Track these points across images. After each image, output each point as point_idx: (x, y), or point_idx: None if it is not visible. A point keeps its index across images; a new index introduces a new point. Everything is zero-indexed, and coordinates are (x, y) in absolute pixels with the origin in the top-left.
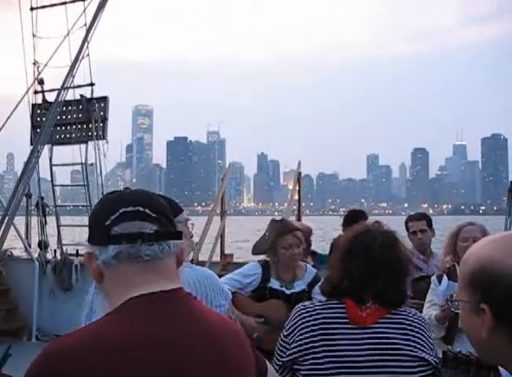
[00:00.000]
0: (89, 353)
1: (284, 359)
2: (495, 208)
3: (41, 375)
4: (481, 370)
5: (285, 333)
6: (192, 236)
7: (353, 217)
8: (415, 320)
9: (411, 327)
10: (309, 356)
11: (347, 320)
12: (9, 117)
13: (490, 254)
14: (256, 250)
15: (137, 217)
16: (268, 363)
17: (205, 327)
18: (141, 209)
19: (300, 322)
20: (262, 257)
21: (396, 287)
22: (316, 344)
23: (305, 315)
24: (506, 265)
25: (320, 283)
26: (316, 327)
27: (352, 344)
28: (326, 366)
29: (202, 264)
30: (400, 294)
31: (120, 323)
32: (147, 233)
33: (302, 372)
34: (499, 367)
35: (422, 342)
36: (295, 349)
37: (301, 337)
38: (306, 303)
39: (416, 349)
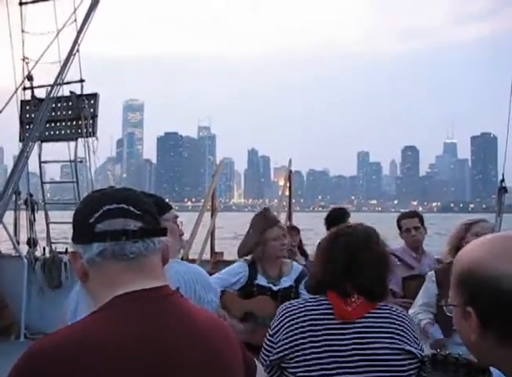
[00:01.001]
0: (73, 352)
1: (271, 358)
2: (484, 206)
3: (25, 373)
4: (471, 372)
5: (271, 332)
6: (182, 234)
7: (337, 218)
8: (399, 315)
9: (397, 322)
10: (297, 353)
11: (333, 316)
12: None
13: (477, 256)
14: (241, 251)
15: (121, 215)
16: (257, 361)
17: (192, 326)
18: (125, 206)
19: (286, 320)
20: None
21: (379, 281)
22: (304, 341)
23: (290, 313)
24: (492, 268)
25: (305, 279)
26: (302, 324)
27: (339, 339)
28: (313, 362)
29: (192, 262)
30: (383, 289)
31: (105, 322)
32: (131, 230)
33: (290, 370)
34: (491, 368)
35: (406, 335)
36: (282, 348)
37: (287, 335)
38: (292, 301)
39: (401, 342)
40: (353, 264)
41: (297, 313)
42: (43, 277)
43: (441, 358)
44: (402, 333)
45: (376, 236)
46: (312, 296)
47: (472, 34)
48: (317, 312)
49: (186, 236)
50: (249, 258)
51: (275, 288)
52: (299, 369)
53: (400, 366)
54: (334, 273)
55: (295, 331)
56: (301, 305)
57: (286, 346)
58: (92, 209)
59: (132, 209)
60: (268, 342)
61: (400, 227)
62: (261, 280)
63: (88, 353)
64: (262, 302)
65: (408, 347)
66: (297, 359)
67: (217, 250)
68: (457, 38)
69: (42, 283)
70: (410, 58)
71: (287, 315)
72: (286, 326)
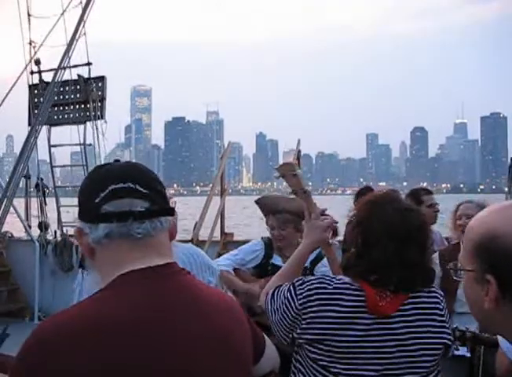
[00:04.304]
0: (75, 331)
1: (295, 336)
2: (494, 187)
3: (27, 353)
4: (488, 347)
5: (298, 305)
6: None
7: (364, 193)
8: (436, 302)
9: (434, 312)
10: (325, 343)
11: (365, 310)
12: (4, 98)
13: (500, 223)
14: None
15: (128, 195)
16: (267, 338)
17: (199, 303)
18: (131, 185)
19: (317, 302)
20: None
21: (421, 264)
22: (333, 331)
23: (323, 296)
24: None
25: (323, 261)
26: (335, 314)
27: (375, 335)
28: (340, 355)
29: (202, 243)
30: (428, 275)
31: (109, 301)
32: (137, 211)
33: (312, 355)
34: (498, 336)
35: (444, 324)
36: (307, 332)
37: (317, 320)
38: (326, 278)
39: (439, 335)
40: (392, 243)
41: (329, 299)
42: (55, 260)
43: (459, 334)
44: (440, 323)
45: (417, 207)
46: (344, 280)
47: (483, 12)
48: (350, 303)
49: (196, 219)
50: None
51: None
52: (326, 358)
53: (435, 360)
54: (370, 265)
55: (325, 320)
56: (333, 289)
57: (313, 331)
58: (98, 188)
59: (139, 188)
60: (293, 314)
61: (420, 202)
62: (276, 260)
63: (91, 331)
64: None
65: (446, 340)
66: (326, 348)
67: (226, 231)
68: (470, 16)
69: (53, 266)
70: (421, 37)
71: (319, 296)
72: (315, 309)
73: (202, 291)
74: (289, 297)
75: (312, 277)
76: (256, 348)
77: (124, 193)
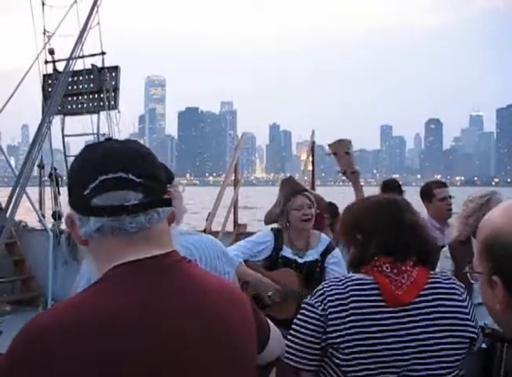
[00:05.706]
0: (68, 326)
1: (320, 342)
2: (509, 180)
3: (20, 346)
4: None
5: (320, 311)
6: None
7: (389, 186)
8: (452, 292)
9: (452, 301)
10: (345, 345)
11: (383, 303)
12: (17, 87)
13: (503, 222)
14: (268, 219)
15: (119, 186)
16: (272, 325)
17: (201, 297)
18: (123, 175)
19: (329, 304)
20: (275, 225)
21: (423, 241)
22: (350, 331)
23: (334, 296)
24: None
25: (334, 252)
26: (349, 313)
27: (393, 329)
28: (364, 355)
29: (215, 234)
30: (433, 251)
31: (102, 296)
32: (130, 206)
33: (335, 360)
34: None
35: (466, 316)
36: (326, 336)
37: (333, 322)
38: (334, 281)
39: (461, 327)
40: (402, 228)
41: (342, 298)
42: (68, 250)
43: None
44: (463, 315)
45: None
46: (357, 277)
47: (498, 2)
48: (365, 298)
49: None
50: (276, 226)
51: (300, 261)
52: (346, 363)
53: (460, 354)
54: (372, 247)
55: (341, 320)
56: (344, 288)
57: (332, 335)
58: (87, 177)
59: (131, 177)
60: (314, 321)
61: (431, 196)
62: (286, 252)
63: (83, 327)
64: (285, 275)
65: (471, 334)
66: (344, 351)
67: (239, 222)
68: (487, 7)
69: (67, 255)
70: (436, 29)
71: (329, 298)
72: (329, 311)
73: (203, 281)
74: (306, 312)
75: (320, 286)
76: (260, 339)
77: (115, 185)
